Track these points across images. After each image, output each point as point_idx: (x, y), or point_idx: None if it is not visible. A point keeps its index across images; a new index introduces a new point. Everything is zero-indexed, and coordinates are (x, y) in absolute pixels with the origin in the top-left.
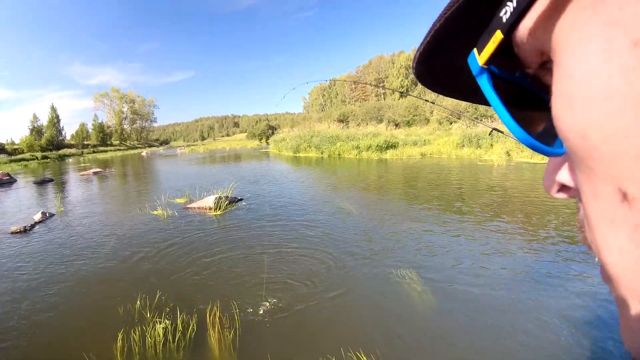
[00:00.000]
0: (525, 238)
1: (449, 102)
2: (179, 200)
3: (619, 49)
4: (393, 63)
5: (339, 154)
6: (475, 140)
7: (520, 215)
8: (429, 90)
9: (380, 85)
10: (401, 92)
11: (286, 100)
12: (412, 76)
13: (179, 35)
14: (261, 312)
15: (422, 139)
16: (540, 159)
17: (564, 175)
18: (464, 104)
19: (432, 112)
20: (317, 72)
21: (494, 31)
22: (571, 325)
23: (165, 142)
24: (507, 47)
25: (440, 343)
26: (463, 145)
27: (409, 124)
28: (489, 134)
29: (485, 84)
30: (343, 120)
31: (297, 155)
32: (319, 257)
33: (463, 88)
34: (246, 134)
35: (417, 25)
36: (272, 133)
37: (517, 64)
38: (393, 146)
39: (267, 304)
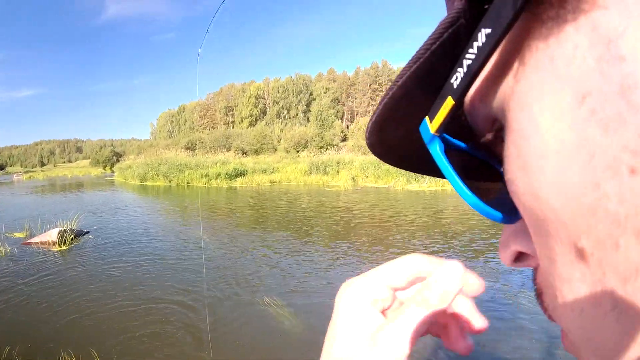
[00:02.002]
0: (374, 254)
1: (296, 131)
2: (17, 235)
3: (569, 104)
4: (243, 92)
5: (187, 183)
6: (323, 167)
7: (368, 236)
8: (277, 120)
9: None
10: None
11: (133, 125)
12: (261, 105)
13: (29, 47)
14: (122, 356)
15: (270, 166)
16: (384, 183)
17: (519, 243)
18: (310, 133)
19: (279, 141)
20: (169, 96)
21: (445, 97)
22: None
23: (0, 167)
24: (457, 116)
25: None
26: (311, 172)
27: (257, 152)
28: None
29: (436, 152)
30: (191, 147)
31: (144, 183)
32: (178, 296)
33: (416, 159)
34: (90, 160)
35: (268, 57)
36: (118, 160)
37: (467, 133)
38: (242, 174)
39: (129, 348)
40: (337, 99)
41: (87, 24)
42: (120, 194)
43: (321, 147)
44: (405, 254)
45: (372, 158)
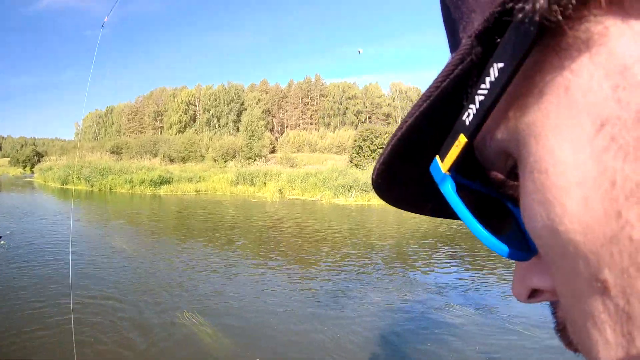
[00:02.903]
0: (299, 267)
1: (225, 140)
2: None
3: (587, 133)
4: (174, 97)
5: (110, 188)
6: (250, 178)
7: (291, 246)
8: (207, 128)
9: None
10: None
11: (58, 124)
12: (191, 112)
13: None
14: None
15: (197, 175)
16: (310, 196)
17: (535, 280)
18: (239, 143)
19: (208, 150)
20: (96, 97)
21: (457, 136)
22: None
23: None
24: (467, 155)
25: None
26: (238, 183)
27: (184, 159)
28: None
29: (448, 191)
30: (117, 151)
31: (64, 187)
32: (93, 307)
33: (425, 201)
34: (9, 159)
35: (202, 63)
36: (39, 160)
37: (476, 172)
38: (168, 182)
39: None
40: (268, 111)
41: (17, 12)
42: (39, 197)
43: (249, 158)
44: (329, 265)
45: (300, 171)
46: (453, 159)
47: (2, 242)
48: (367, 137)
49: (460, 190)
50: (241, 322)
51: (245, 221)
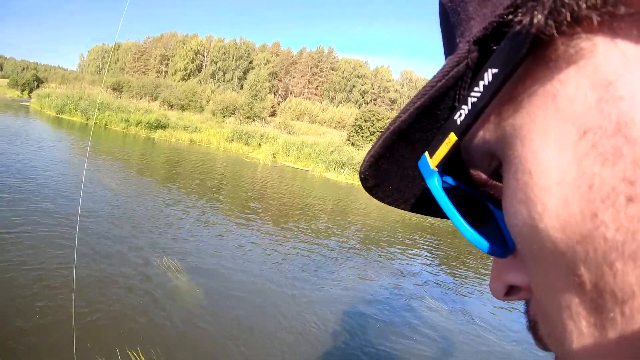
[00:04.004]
0: (277, 232)
1: (227, 95)
2: None
3: (571, 139)
4: (184, 44)
5: (105, 124)
6: (246, 137)
7: (274, 211)
8: (211, 80)
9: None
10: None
11: (62, 52)
12: (198, 62)
13: None
14: None
15: (193, 125)
16: (303, 166)
17: (512, 277)
18: (241, 101)
19: (208, 102)
20: (104, 29)
21: (448, 134)
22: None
23: None
24: (453, 154)
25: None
26: (233, 140)
27: (183, 108)
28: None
29: (434, 187)
30: (117, 89)
31: (60, 116)
32: (64, 240)
33: (408, 197)
34: (8, 80)
35: (217, 14)
36: (38, 86)
37: (462, 172)
38: (163, 126)
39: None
40: (275, 74)
41: None
42: (32, 122)
43: (248, 117)
44: (304, 236)
45: (297, 139)
46: (442, 155)
47: None
48: (369, 118)
49: (446, 187)
50: (212, 274)
51: (234, 179)
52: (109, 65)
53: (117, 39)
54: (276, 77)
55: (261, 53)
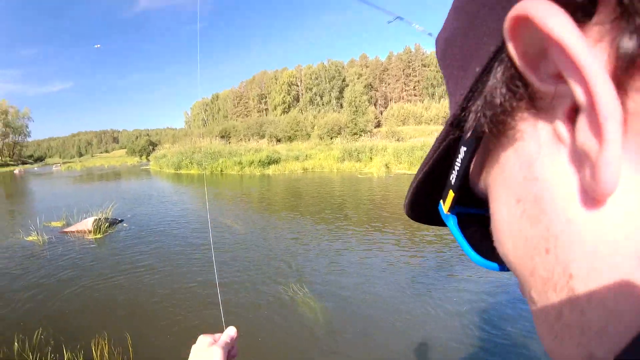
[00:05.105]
0: (405, 246)
1: (329, 118)
2: (55, 224)
3: (512, 204)
4: (276, 79)
5: (221, 170)
6: (356, 154)
7: (402, 225)
8: (310, 106)
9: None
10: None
11: (168, 114)
12: (294, 92)
13: (61, 40)
14: (156, 341)
15: (303, 153)
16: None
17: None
18: (344, 119)
19: (313, 128)
20: (202, 85)
21: (448, 190)
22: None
23: (40, 159)
24: (465, 190)
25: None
26: (344, 159)
27: (290, 139)
28: None
29: (450, 226)
30: (225, 136)
31: (178, 172)
32: (205, 280)
33: (440, 221)
34: (126, 150)
35: (300, 45)
36: (153, 149)
37: (475, 198)
38: (275, 161)
39: (160, 329)
40: (370, 85)
41: (119, 18)
42: (155, 182)
43: (354, 134)
44: (435, 241)
45: (406, 144)
46: (449, 205)
47: (124, 224)
48: None
49: (465, 217)
50: (343, 299)
51: (353, 197)
52: (212, 116)
53: (200, 94)
54: (372, 88)
55: (351, 68)
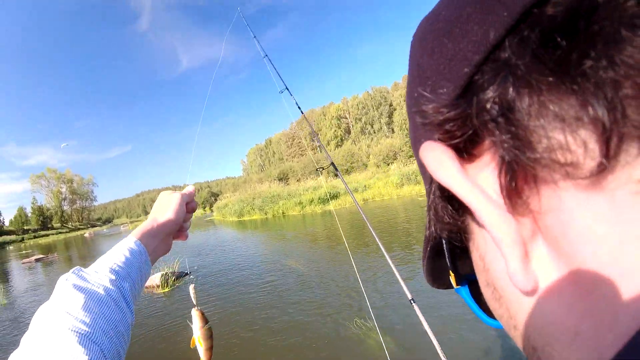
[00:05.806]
0: None
1: (383, 144)
2: None
3: (485, 286)
4: (324, 115)
5: (282, 213)
6: (414, 176)
7: None
8: (362, 136)
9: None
10: None
11: (225, 164)
12: (344, 125)
13: (114, 109)
14: None
15: (361, 184)
16: None
17: None
18: (397, 143)
19: (368, 157)
20: (252, 132)
21: (449, 270)
22: None
23: (107, 221)
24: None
25: None
26: (402, 184)
27: (347, 171)
28: None
29: (463, 296)
30: (283, 178)
31: (241, 219)
32: (277, 327)
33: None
34: None
35: (342, 78)
36: (215, 200)
37: None
38: (335, 196)
39: None
40: None
41: (166, 79)
42: (219, 232)
43: (410, 156)
44: None
45: None
46: (454, 281)
47: (191, 276)
48: None
49: (475, 282)
50: (412, 334)
51: (415, 222)
52: (268, 160)
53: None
54: None
55: (396, 92)
